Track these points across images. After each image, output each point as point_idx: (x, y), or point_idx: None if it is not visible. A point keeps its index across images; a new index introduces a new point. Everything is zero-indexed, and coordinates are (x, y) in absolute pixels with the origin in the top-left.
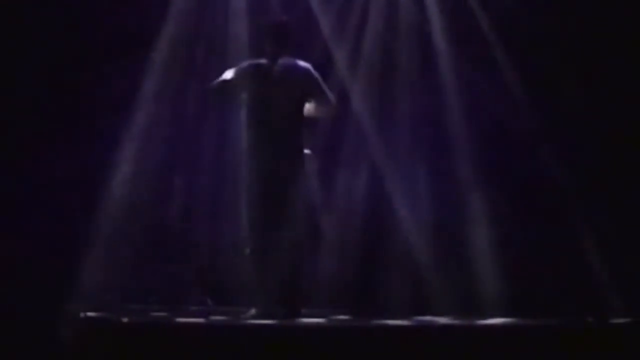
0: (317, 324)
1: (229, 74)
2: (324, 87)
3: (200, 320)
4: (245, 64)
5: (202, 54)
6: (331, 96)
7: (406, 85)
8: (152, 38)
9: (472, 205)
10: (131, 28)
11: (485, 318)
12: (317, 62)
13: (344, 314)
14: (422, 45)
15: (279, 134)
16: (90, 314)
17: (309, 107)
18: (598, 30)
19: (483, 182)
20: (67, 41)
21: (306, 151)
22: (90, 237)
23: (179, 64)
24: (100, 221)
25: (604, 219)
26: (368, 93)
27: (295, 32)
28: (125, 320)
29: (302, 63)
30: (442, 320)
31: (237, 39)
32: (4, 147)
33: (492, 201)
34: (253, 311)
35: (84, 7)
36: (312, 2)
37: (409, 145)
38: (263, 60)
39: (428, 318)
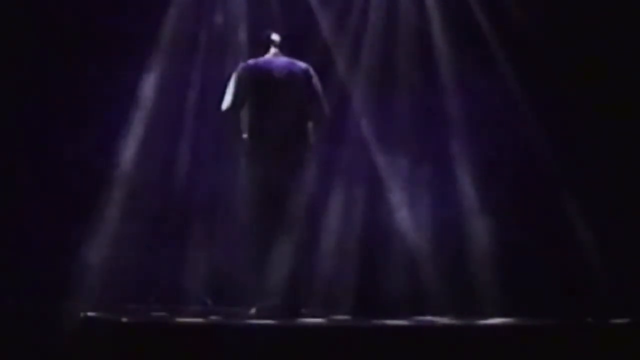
0: (317, 324)
1: (232, 89)
2: (321, 93)
3: (200, 320)
4: (241, 67)
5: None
6: (325, 105)
7: (405, 85)
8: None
9: (472, 206)
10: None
11: (485, 318)
12: (317, 62)
13: (344, 314)
14: (422, 46)
15: (282, 131)
16: (90, 313)
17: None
18: (598, 29)
19: (483, 182)
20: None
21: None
22: (89, 236)
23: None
24: (100, 220)
25: (604, 218)
26: (367, 93)
27: (291, 36)
28: (125, 320)
29: (300, 63)
30: (442, 320)
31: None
32: (4, 144)
33: (492, 201)
34: (254, 310)
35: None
36: (312, 2)
37: (408, 146)
38: (261, 60)
39: (428, 318)
